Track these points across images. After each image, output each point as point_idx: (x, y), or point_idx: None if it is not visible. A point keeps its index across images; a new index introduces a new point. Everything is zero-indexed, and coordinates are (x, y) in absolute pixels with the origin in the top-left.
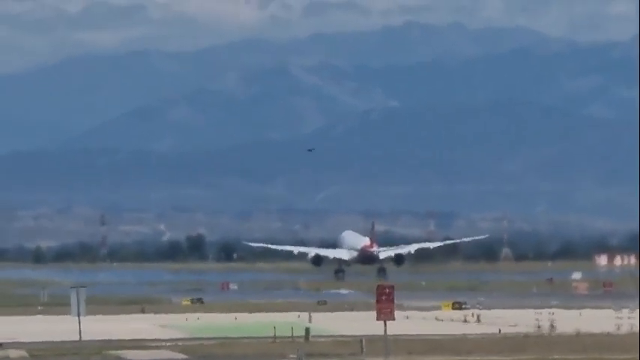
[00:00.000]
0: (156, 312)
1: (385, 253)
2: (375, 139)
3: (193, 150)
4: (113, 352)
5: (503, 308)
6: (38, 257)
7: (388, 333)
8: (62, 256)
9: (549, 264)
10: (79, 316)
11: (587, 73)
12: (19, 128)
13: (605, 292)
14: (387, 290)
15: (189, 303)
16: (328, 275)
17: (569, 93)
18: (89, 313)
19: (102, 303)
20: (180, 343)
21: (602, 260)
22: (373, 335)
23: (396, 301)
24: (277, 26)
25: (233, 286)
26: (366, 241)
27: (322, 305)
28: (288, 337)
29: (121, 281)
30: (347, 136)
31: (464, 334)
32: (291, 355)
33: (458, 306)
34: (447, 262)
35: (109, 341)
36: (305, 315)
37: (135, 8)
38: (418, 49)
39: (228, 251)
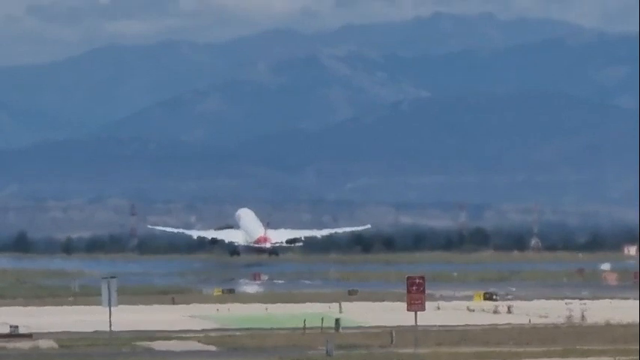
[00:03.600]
0: (187, 302)
1: (277, 240)
2: (405, 129)
3: (223, 140)
4: (143, 343)
5: (534, 299)
6: (68, 248)
7: (419, 323)
8: (92, 246)
9: (579, 255)
10: (109, 306)
11: (617, 63)
12: (49, 118)
13: (635, 282)
14: (418, 281)
15: (220, 293)
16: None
17: (599, 84)
18: (120, 303)
19: (132, 294)
20: (210, 334)
21: (632, 251)
22: (404, 326)
23: (427, 291)
24: (308, 16)
25: (264, 277)
26: (260, 232)
27: (353, 295)
28: (319, 327)
29: (151, 272)
30: (377, 126)
31: (494, 325)
32: (321, 347)
33: (489, 296)
34: (478, 251)
35: (140, 332)
36: (335, 305)
37: None
38: (449, 39)
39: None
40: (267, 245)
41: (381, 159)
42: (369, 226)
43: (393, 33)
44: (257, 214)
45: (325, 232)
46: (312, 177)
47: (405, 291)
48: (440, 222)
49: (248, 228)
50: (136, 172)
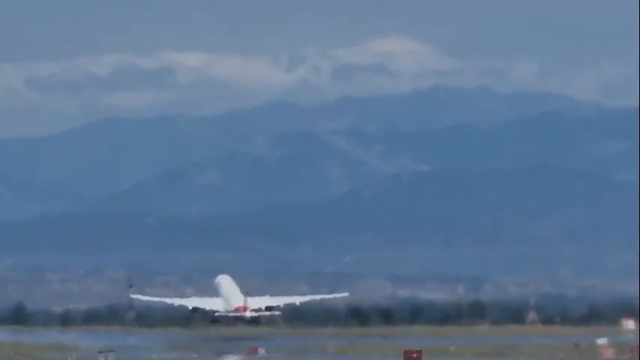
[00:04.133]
0: None
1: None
2: (403, 202)
3: (221, 213)
4: None
5: None
6: (66, 320)
7: None
8: (90, 319)
9: (576, 328)
10: None
11: (615, 137)
12: (47, 191)
13: (631, 357)
14: (415, 355)
15: None
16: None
17: (597, 157)
18: None
19: None
20: None
21: (630, 324)
22: None
23: None
24: (306, 89)
25: (261, 351)
26: (239, 301)
27: None
28: None
29: (148, 345)
30: (375, 199)
31: None
32: None
33: None
34: (475, 324)
35: None
36: None
37: (164, 72)
38: (447, 112)
39: (257, 316)
40: (247, 314)
41: (379, 232)
42: (346, 294)
43: (391, 106)
44: (254, 286)
45: (304, 298)
46: (310, 249)
47: None
48: (437, 295)
49: (227, 296)
50: (133, 244)
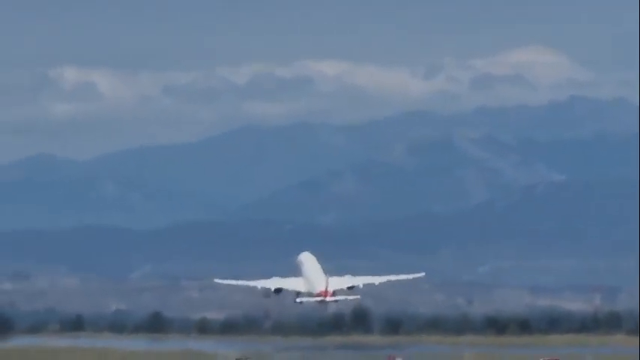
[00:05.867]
0: None
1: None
2: (539, 213)
3: (358, 222)
4: None
5: None
6: (203, 328)
7: None
8: (227, 327)
9: None
10: None
11: None
12: (184, 199)
13: None
14: None
15: None
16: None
17: None
18: None
19: None
20: None
21: None
22: None
23: None
24: (443, 99)
25: (398, 359)
26: (321, 286)
27: None
28: None
29: (283, 353)
30: (511, 209)
31: None
32: None
33: None
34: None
35: None
36: None
37: (302, 80)
38: (583, 123)
39: (393, 324)
40: (328, 299)
41: (515, 242)
42: (423, 274)
43: (527, 116)
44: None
45: (382, 279)
46: (446, 259)
47: None
48: (574, 304)
49: (309, 276)
50: (271, 252)
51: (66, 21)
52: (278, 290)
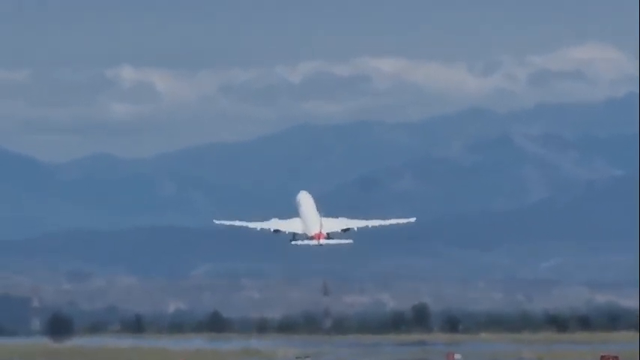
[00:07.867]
0: None
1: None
2: (599, 208)
3: (417, 219)
4: None
5: None
6: (262, 327)
7: None
8: (286, 326)
9: None
10: None
11: None
12: (243, 197)
13: None
14: None
15: None
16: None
17: None
18: None
19: None
20: None
21: None
22: None
23: None
24: (501, 96)
25: (457, 357)
26: (316, 228)
27: None
28: None
29: (343, 352)
30: (571, 205)
31: None
32: None
33: None
34: None
35: None
36: None
37: (360, 78)
38: None
39: (452, 321)
40: (322, 242)
41: (575, 238)
42: (413, 219)
43: (586, 112)
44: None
45: (375, 222)
46: (505, 256)
47: None
48: (634, 301)
49: (305, 217)
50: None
51: (124, 21)
52: (276, 231)
